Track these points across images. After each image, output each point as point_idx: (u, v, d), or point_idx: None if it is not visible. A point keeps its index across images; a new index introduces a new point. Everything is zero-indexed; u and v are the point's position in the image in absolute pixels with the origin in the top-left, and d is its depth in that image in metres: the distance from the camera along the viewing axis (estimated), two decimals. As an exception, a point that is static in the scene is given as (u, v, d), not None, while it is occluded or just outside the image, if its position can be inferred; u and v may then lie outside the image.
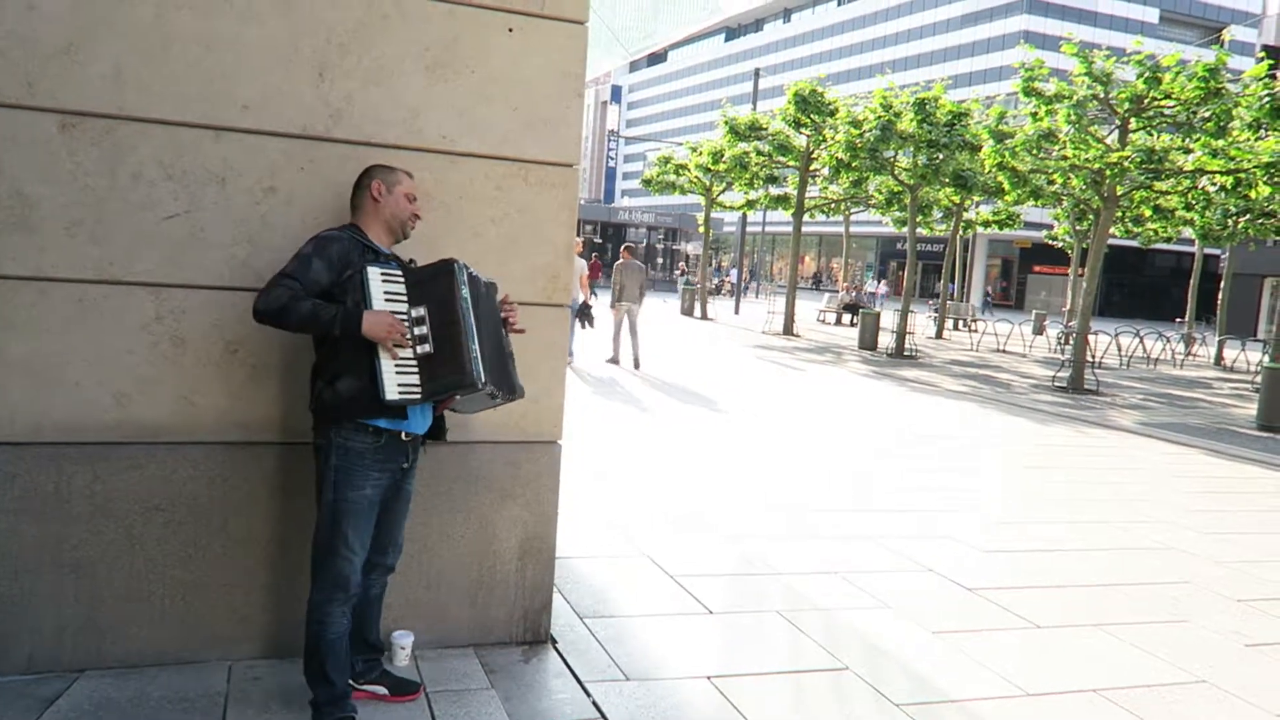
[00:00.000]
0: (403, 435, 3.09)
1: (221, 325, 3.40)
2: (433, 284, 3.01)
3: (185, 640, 3.46)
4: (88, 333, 3.26)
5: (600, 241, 49.69)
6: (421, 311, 2.99)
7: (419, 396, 2.97)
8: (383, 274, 2.98)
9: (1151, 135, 16.07)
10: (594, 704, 3.52)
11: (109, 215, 3.25)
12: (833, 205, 30.29)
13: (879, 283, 48.12)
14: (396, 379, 2.92)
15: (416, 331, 2.97)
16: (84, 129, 3.21)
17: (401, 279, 3.02)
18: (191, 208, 3.33)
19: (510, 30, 3.67)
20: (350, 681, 3.20)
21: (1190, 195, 19.11)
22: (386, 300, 2.96)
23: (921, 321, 29.61)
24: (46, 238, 3.19)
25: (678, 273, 47.41)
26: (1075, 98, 15.03)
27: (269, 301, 2.87)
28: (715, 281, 47.02)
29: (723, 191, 30.21)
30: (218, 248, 3.37)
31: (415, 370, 2.96)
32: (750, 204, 30.50)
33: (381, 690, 3.35)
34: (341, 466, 3.00)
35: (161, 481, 3.38)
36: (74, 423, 3.27)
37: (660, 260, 52.49)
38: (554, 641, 4.03)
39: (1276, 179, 15.17)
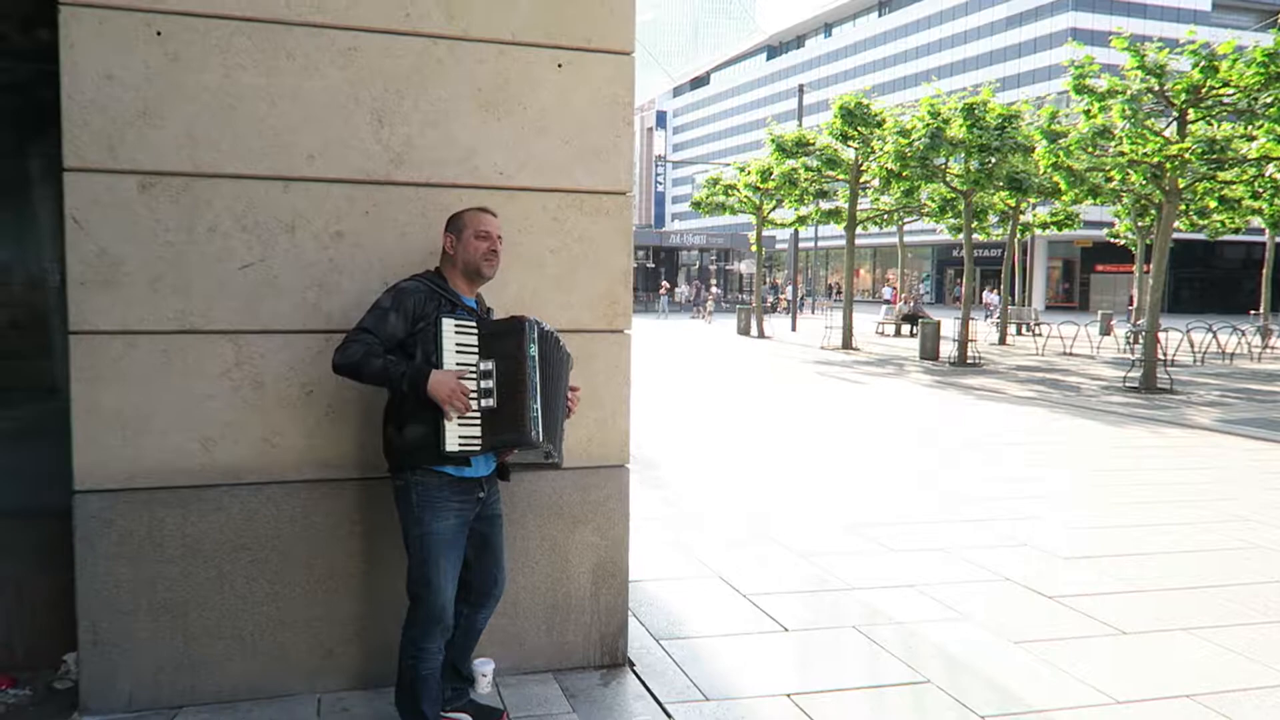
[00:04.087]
0: None
1: (297, 368, 3.52)
2: (503, 339, 3.07)
3: (275, 674, 3.57)
4: (173, 381, 3.41)
5: (653, 266, 49.94)
6: (490, 366, 3.05)
7: (478, 448, 3.04)
8: (457, 326, 3.06)
9: (1212, 125, 15.67)
10: (675, 725, 3.54)
11: (188, 268, 3.41)
12: (885, 216, 30.02)
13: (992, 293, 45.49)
14: (458, 430, 3.00)
15: (483, 385, 3.04)
16: (162, 188, 3.37)
17: (475, 330, 3.10)
18: (265, 256, 3.47)
19: (559, 66, 3.76)
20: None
21: (1257, 183, 18.54)
22: (458, 351, 3.04)
23: (983, 328, 29.09)
24: (131, 293, 3.36)
25: (702, 292, 46.54)
26: (1129, 92, 14.74)
27: (346, 357, 2.99)
28: (769, 299, 46.87)
29: (773, 209, 30.16)
30: (290, 293, 3.51)
31: (477, 423, 3.03)
32: (801, 220, 30.39)
33: (466, 718, 3.41)
34: (421, 503, 3.09)
35: (245, 521, 3.51)
36: (163, 468, 3.41)
37: (714, 281, 52.46)
38: (631, 664, 4.05)
39: (1347, 161, 14.67)
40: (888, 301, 39.28)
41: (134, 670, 3.43)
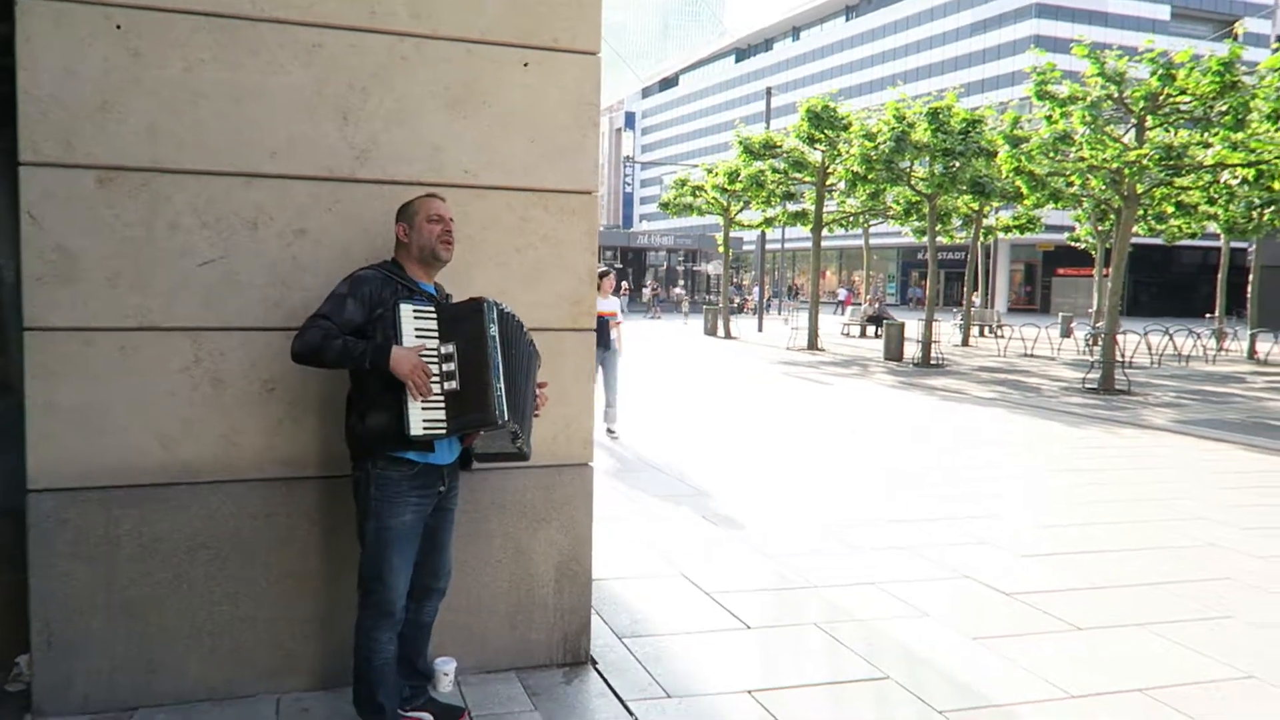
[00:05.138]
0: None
1: (258, 365, 3.49)
2: (463, 321, 3.07)
3: (234, 675, 3.54)
4: (131, 378, 3.37)
5: (621, 266, 49.93)
6: (450, 349, 3.05)
7: (443, 431, 3.02)
8: (415, 310, 3.06)
9: (1169, 131, 15.99)
10: (637, 722, 3.56)
11: (147, 264, 3.37)
12: (851, 218, 30.28)
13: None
14: (422, 415, 2.98)
15: (445, 368, 3.03)
16: (121, 183, 3.33)
17: (434, 315, 3.09)
18: (226, 253, 3.44)
19: (526, 65, 3.77)
20: (398, 710, 3.26)
21: (1212, 189, 18.92)
22: (418, 335, 3.03)
23: (946, 329, 29.44)
24: (89, 289, 3.31)
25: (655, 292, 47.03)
26: (1089, 99, 15.00)
27: (304, 343, 2.97)
28: (737, 300, 47.13)
29: (740, 210, 30.30)
30: (252, 290, 3.48)
31: (441, 406, 3.02)
32: (768, 221, 30.56)
33: (427, 717, 3.39)
34: (380, 496, 3.08)
35: (205, 520, 3.47)
36: (121, 466, 3.37)
37: (682, 282, 52.62)
38: (594, 662, 4.06)
39: (1299, 169, 15.03)
40: (840, 302, 39.67)
41: (89, 671, 3.38)
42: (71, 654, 3.36)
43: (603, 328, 9.65)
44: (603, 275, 10.01)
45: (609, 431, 10.12)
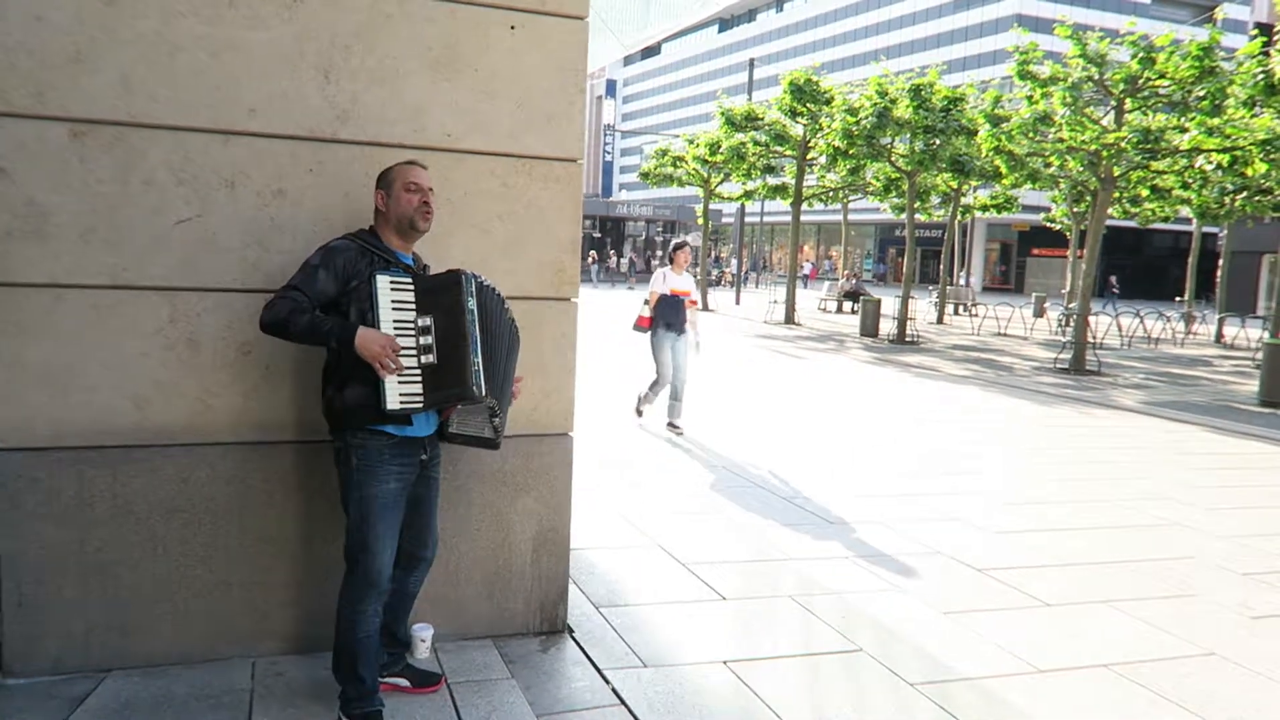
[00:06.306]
0: None
1: (235, 327, 3.44)
2: (440, 294, 3.03)
3: (209, 638, 3.52)
4: (103, 338, 3.30)
5: (600, 235, 49.76)
6: (428, 321, 3.01)
7: (420, 406, 2.99)
8: (392, 282, 3.01)
9: (1147, 115, 16.09)
10: (613, 691, 3.58)
11: (121, 221, 3.29)
12: (831, 194, 30.30)
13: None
14: (399, 389, 2.95)
15: (422, 341, 2.99)
16: (94, 137, 3.25)
17: (411, 287, 3.04)
18: (203, 212, 3.37)
19: (512, 28, 3.70)
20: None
21: (1187, 174, 19.11)
22: (394, 308, 2.99)
23: (922, 307, 29.62)
24: (60, 245, 3.24)
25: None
26: (1070, 80, 15.04)
27: (273, 315, 2.92)
28: (715, 273, 47.17)
29: (721, 183, 30.21)
30: (229, 251, 3.41)
31: (419, 379, 2.98)
32: (748, 194, 30.50)
33: (404, 683, 3.40)
34: (361, 466, 3.04)
35: (180, 483, 3.43)
36: (93, 427, 3.32)
37: (659, 253, 52.52)
38: (571, 631, 4.08)
39: (1272, 156, 15.22)
40: (806, 275, 39.85)
41: (61, 633, 3.35)
42: (43, 615, 3.32)
43: (675, 307, 8.60)
44: (678, 247, 8.79)
45: (671, 426, 8.78)
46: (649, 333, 8.82)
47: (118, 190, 3.28)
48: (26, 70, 3.16)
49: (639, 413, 9.28)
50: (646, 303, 8.84)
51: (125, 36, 3.24)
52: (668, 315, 8.66)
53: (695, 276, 24.29)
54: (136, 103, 3.27)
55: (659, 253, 52.12)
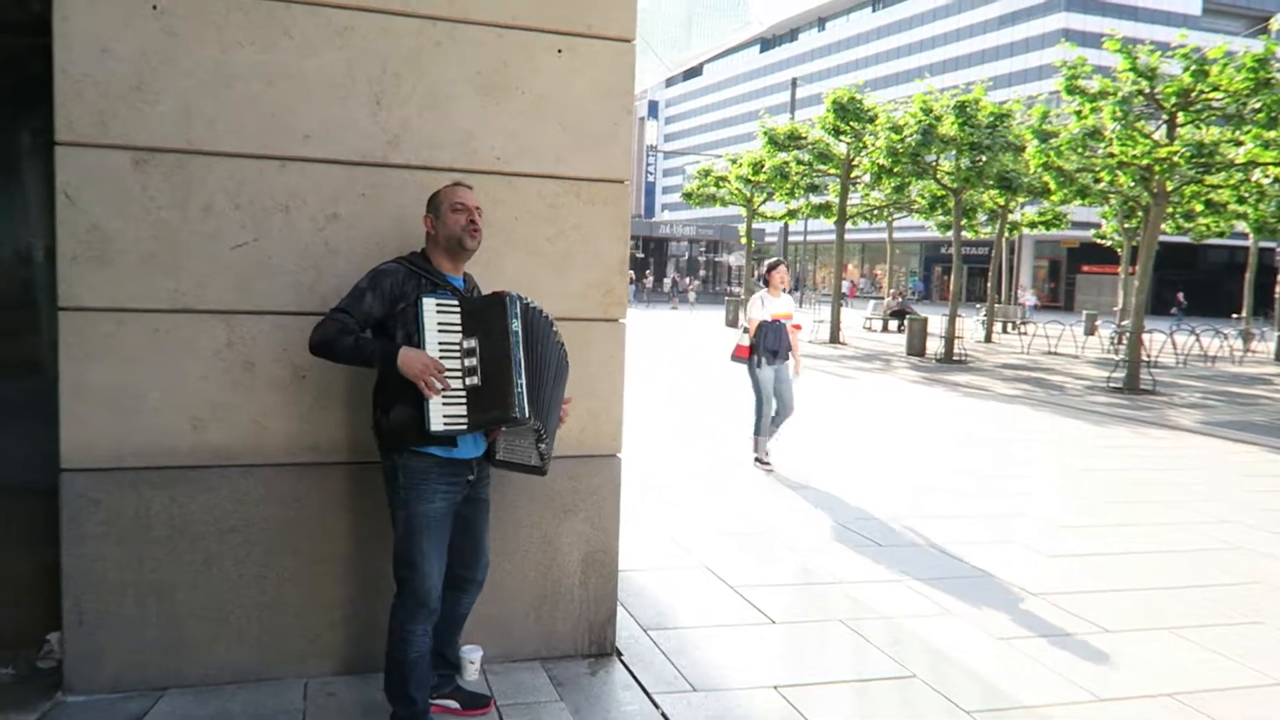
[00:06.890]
0: None
1: (290, 350, 3.49)
2: (485, 316, 3.03)
3: (262, 658, 3.55)
4: (163, 361, 3.37)
5: (643, 256, 49.94)
6: (473, 343, 3.01)
7: (464, 427, 3.00)
8: (438, 305, 3.03)
9: (1200, 129, 15.76)
10: (662, 715, 3.54)
11: (181, 246, 3.37)
12: (875, 212, 30.09)
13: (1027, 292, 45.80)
14: (443, 410, 2.96)
15: (467, 363, 3.00)
16: (156, 164, 3.33)
17: (457, 309, 3.06)
18: (259, 236, 3.44)
19: (559, 51, 3.74)
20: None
21: (1243, 188, 18.67)
22: (440, 330, 3.00)
23: (970, 325, 29.22)
24: (123, 270, 3.32)
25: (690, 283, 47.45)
26: (1120, 94, 14.80)
27: (320, 336, 2.97)
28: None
29: (764, 202, 30.19)
30: (284, 274, 3.47)
31: (463, 400, 2.99)
32: (792, 213, 30.42)
33: (454, 705, 3.40)
34: (408, 484, 3.06)
35: (235, 503, 3.48)
36: (152, 448, 3.38)
37: (703, 273, 52.59)
38: (619, 654, 4.05)
39: (1333, 168, 14.78)
40: (845, 294, 39.53)
41: (119, 651, 3.40)
42: (101, 633, 3.38)
43: (778, 334, 7.91)
44: (773, 267, 8.14)
45: (759, 462, 8.13)
46: (746, 363, 8.13)
47: (177, 216, 3.36)
48: (92, 101, 3.25)
49: (763, 462, 8.16)
50: (745, 330, 8.13)
51: (185, 66, 3.33)
52: (770, 343, 7.91)
53: (741, 295, 24.15)
54: (196, 130, 3.35)
55: (693, 274, 52.13)
